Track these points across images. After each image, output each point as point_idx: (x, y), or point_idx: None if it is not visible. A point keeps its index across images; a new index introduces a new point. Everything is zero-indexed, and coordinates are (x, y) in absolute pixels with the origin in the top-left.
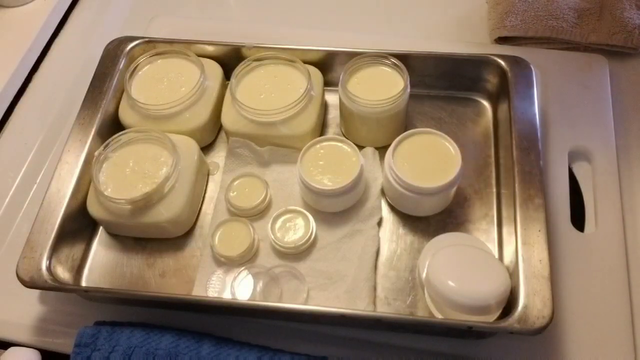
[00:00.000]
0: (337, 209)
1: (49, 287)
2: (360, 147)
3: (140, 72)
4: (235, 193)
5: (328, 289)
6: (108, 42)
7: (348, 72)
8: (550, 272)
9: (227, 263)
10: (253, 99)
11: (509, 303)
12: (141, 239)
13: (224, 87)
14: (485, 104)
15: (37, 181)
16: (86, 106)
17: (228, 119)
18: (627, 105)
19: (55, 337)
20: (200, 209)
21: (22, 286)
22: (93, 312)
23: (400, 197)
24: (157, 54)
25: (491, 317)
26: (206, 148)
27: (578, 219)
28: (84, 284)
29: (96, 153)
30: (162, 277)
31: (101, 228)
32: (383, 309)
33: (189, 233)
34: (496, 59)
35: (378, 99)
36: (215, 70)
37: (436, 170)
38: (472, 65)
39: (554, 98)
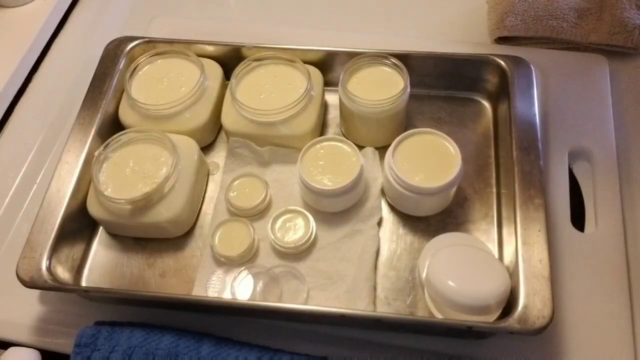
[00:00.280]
0: (337, 209)
1: (49, 287)
2: (360, 147)
3: (140, 72)
4: (235, 193)
5: (328, 289)
6: (108, 42)
7: (348, 72)
8: (550, 272)
9: (227, 263)
10: (253, 99)
11: (509, 303)
12: (141, 239)
13: (224, 87)
14: (485, 104)
15: (37, 181)
16: (86, 106)
17: (228, 119)
18: (627, 105)
19: (55, 337)
20: (200, 209)
21: (22, 286)
22: (93, 312)
23: (400, 197)
24: (157, 54)
25: (491, 317)
26: (206, 148)
27: (578, 219)
28: (84, 284)
29: (96, 153)
30: (162, 277)
31: (101, 228)
32: (383, 309)
33: (189, 233)
34: (496, 59)
35: (378, 99)
36: (215, 70)
37: (436, 170)
38: (472, 65)
39: (554, 98)
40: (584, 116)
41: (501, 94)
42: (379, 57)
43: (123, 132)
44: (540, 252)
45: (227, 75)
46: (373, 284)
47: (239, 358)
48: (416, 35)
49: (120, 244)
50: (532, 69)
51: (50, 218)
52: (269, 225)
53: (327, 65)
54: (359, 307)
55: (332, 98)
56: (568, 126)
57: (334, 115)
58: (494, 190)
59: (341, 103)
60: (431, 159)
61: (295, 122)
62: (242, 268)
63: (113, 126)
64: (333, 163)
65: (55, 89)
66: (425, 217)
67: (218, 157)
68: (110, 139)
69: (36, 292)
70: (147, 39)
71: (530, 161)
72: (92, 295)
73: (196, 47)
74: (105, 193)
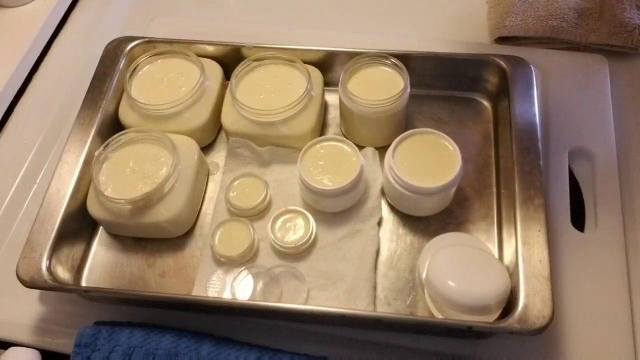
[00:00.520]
0: (337, 209)
1: (49, 287)
2: (360, 147)
3: (140, 72)
4: (235, 193)
5: (328, 289)
6: (108, 42)
7: (348, 72)
8: (550, 272)
9: (227, 263)
10: (253, 99)
11: (509, 303)
12: (141, 239)
13: (224, 87)
14: (485, 104)
15: (37, 181)
16: (86, 106)
17: (228, 119)
18: (627, 105)
19: (55, 337)
20: (200, 209)
21: (22, 286)
22: (93, 312)
23: (400, 197)
24: (157, 54)
25: (491, 317)
26: (206, 148)
27: (578, 219)
28: (84, 284)
29: (96, 153)
30: (162, 277)
31: (101, 228)
32: (383, 309)
33: (189, 233)
34: (496, 59)
35: (378, 99)
36: (215, 70)
37: (436, 170)
38: (472, 65)
39: (554, 98)
40: (584, 116)
41: (501, 94)
42: (379, 57)
43: (123, 132)
44: (540, 252)
45: (227, 75)
46: (373, 284)
47: (239, 358)
48: (416, 35)
49: (120, 244)
50: (532, 69)
51: (50, 218)
52: (269, 225)
53: (327, 65)
54: (359, 307)
55: (332, 98)
56: (568, 126)
57: (334, 115)
58: (494, 190)
59: (341, 103)
60: (431, 159)
61: (295, 122)
62: (242, 268)
63: (113, 126)
64: (333, 163)
65: (55, 89)
66: (425, 217)
67: (218, 157)
68: (110, 139)
69: (36, 292)
70: (147, 39)
71: (530, 161)
72: (92, 295)
73: (196, 47)
74: (105, 193)
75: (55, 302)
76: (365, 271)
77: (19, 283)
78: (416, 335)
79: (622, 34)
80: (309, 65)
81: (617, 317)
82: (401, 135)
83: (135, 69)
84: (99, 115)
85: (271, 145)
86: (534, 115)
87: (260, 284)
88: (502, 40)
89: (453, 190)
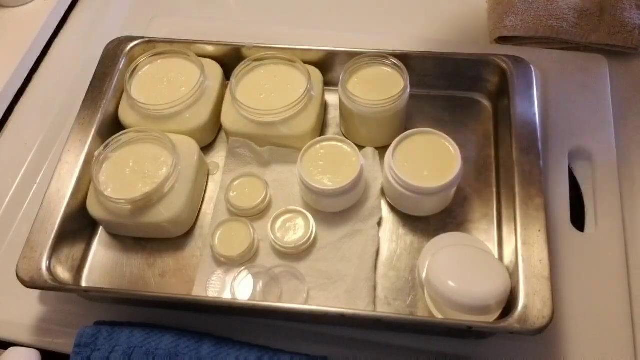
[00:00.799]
0: (337, 209)
1: (49, 287)
2: (360, 147)
3: (140, 72)
4: (235, 193)
5: (328, 289)
6: (108, 42)
7: (348, 72)
8: (550, 272)
9: (227, 263)
10: (253, 99)
11: (509, 303)
12: (141, 239)
13: (224, 87)
14: (486, 104)
15: (37, 181)
16: (86, 106)
17: (228, 119)
18: (627, 105)
19: (55, 337)
20: (200, 209)
21: (22, 286)
22: (93, 312)
23: (400, 197)
24: (157, 54)
25: (491, 317)
26: (206, 148)
27: (578, 219)
28: (84, 284)
29: (96, 153)
30: (162, 277)
31: (101, 228)
32: (383, 309)
33: (189, 233)
34: (496, 59)
35: (378, 99)
36: (215, 70)
37: (436, 170)
38: (472, 65)
39: (554, 98)
40: (584, 116)
41: (501, 94)
42: (379, 57)
43: (123, 132)
44: (540, 252)
45: (227, 75)
46: (373, 284)
47: (239, 358)
48: (416, 35)
49: (120, 244)
50: (532, 69)
51: (50, 218)
52: (269, 225)
53: (327, 65)
54: (359, 307)
55: (332, 98)
56: (568, 126)
57: (334, 115)
58: (494, 190)
59: (341, 103)
60: (431, 159)
61: (295, 122)
62: (242, 268)
63: (113, 126)
64: (333, 163)
65: (55, 89)
66: (425, 217)
67: (218, 157)
68: (110, 139)
69: (36, 292)
70: (147, 39)
71: (530, 161)
72: (92, 295)
73: (196, 47)
74: (105, 193)
75: (55, 302)
76: (365, 271)
77: (19, 283)
78: (416, 335)
79: (622, 34)
80: (309, 65)
81: (617, 317)
82: (401, 135)
83: (135, 69)
84: (99, 115)
85: (271, 145)
86: (534, 115)
87: (260, 284)
88: (502, 40)
89: (453, 190)
